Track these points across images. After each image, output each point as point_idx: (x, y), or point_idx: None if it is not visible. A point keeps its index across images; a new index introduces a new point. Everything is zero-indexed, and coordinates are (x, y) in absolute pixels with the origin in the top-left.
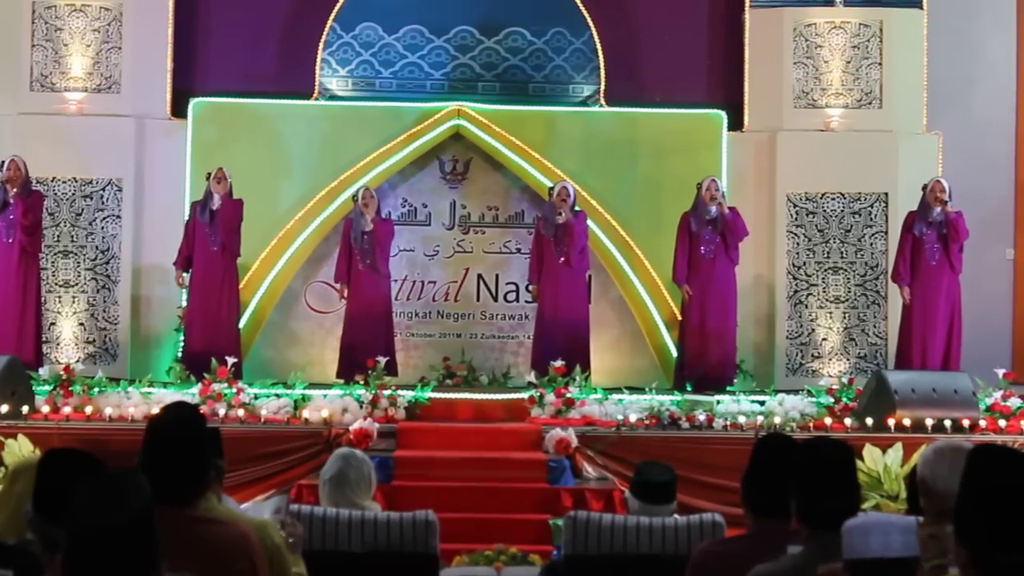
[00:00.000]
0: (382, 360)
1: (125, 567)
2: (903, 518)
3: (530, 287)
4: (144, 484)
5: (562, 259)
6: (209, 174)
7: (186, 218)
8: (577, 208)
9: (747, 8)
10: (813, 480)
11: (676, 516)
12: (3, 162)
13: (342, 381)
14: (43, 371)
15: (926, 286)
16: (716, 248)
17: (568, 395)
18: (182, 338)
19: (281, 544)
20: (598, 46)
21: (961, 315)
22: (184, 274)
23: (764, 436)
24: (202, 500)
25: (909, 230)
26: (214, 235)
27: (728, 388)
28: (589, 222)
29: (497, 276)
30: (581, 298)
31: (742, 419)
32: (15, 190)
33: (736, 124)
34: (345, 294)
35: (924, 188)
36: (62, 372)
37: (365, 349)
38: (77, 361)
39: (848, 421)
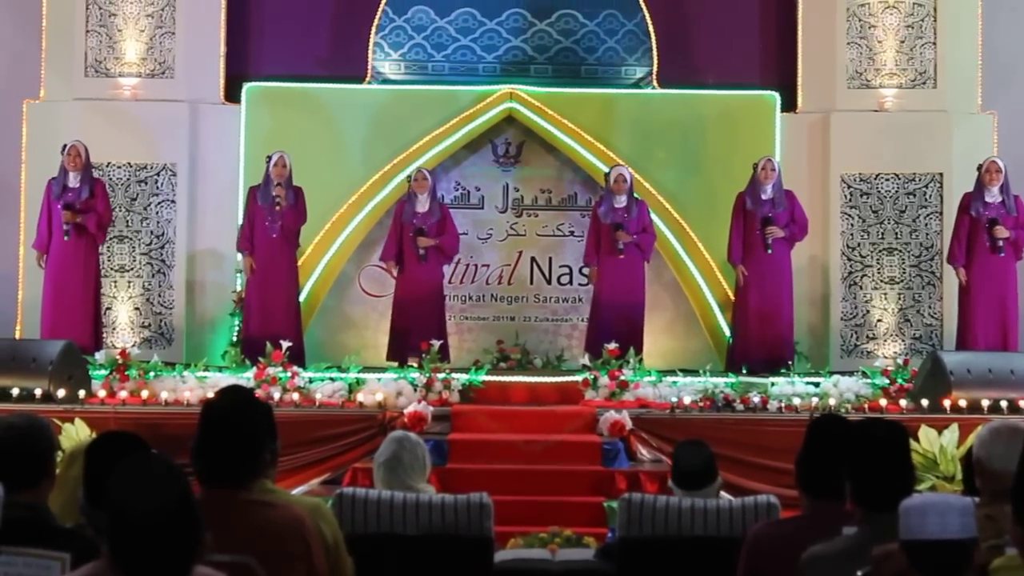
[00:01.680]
0: (436, 343)
1: (165, 550)
2: (961, 499)
3: (584, 270)
4: (177, 468)
5: (621, 247)
6: (269, 157)
7: (242, 203)
8: (637, 196)
9: None
10: (867, 461)
11: (731, 498)
12: (64, 146)
13: (394, 364)
14: (99, 355)
15: (983, 267)
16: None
17: (622, 378)
18: (237, 322)
19: (335, 524)
20: (650, 27)
21: (1016, 296)
22: (250, 259)
23: (818, 417)
24: (257, 483)
25: (965, 211)
26: (273, 220)
27: (782, 370)
28: None
29: (550, 259)
30: (638, 284)
31: (796, 401)
32: (76, 174)
33: (789, 105)
34: (395, 272)
35: (979, 168)
36: (118, 357)
37: (416, 332)
38: (133, 346)
39: (903, 402)
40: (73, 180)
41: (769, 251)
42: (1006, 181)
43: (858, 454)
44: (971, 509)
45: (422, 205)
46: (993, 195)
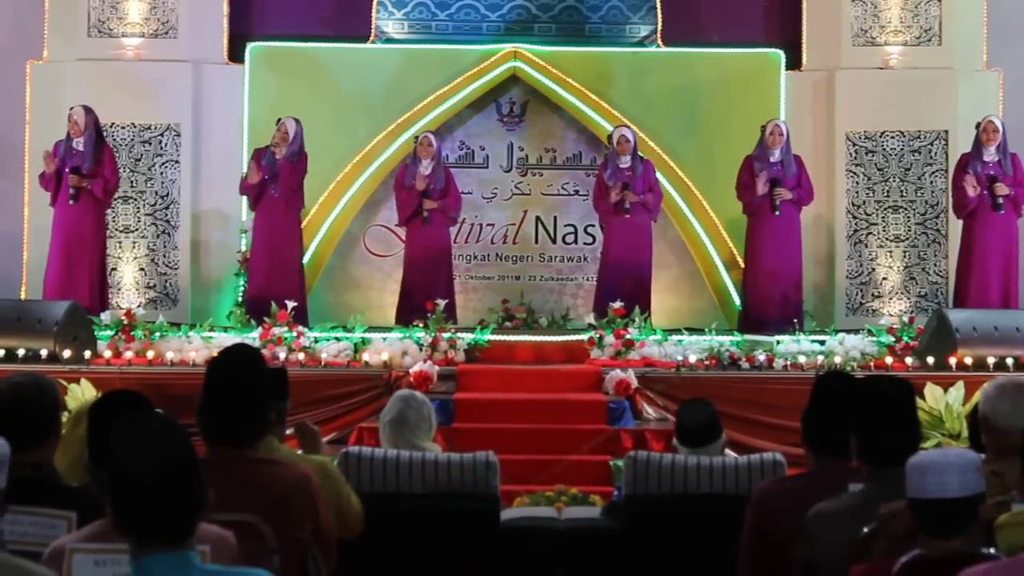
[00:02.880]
0: (441, 303)
1: (167, 508)
2: (963, 456)
3: (590, 228)
4: (178, 426)
5: (627, 206)
6: (279, 120)
7: (246, 163)
8: (642, 155)
9: None
10: (874, 418)
11: (737, 456)
12: (69, 114)
13: (402, 325)
14: (105, 316)
15: (984, 225)
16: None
17: (627, 336)
18: (242, 282)
19: (341, 478)
20: None
21: (1018, 254)
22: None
23: (824, 374)
24: (262, 442)
25: (963, 169)
26: (276, 184)
27: (790, 330)
28: None
29: (555, 218)
30: (645, 243)
31: (802, 359)
32: (80, 138)
33: (794, 63)
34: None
35: (977, 127)
36: (123, 317)
37: (423, 294)
38: (138, 306)
39: (909, 360)
40: (77, 143)
41: (777, 212)
42: (1004, 140)
43: (864, 410)
44: (973, 466)
45: (425, 168)
46: (991, 154)
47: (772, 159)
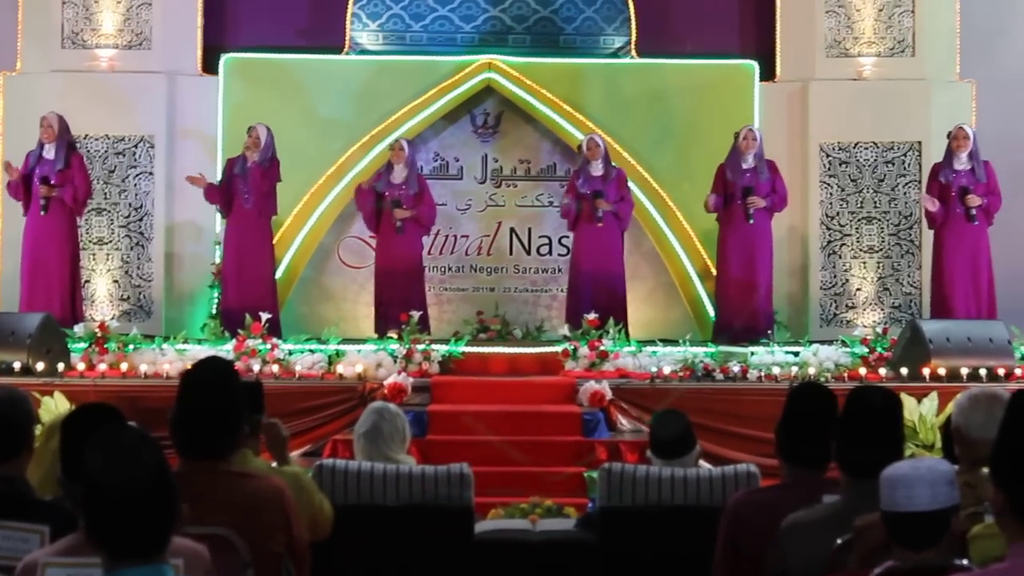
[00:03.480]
0: (415, 315)
1: (140, 523)
2: (934, 469)
3: (564, 239)
4: (150, 439)
5: (599, 215)
6: (251, 127)
7: (219, 175)
8: (615, 164)
9: None
10: (859, 429)
11: (711, 467)
12: (42, 119)
13: (377, 336)
14: (78, 328)
15: (954, 236)
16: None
17: (602, 348)
18: (216, 294)
19: (314, 488)
20: None
21: (991, 264)
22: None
23: (798, 385)
24: (236, 455)
25: (935, 178)
26: (247, 193)
27: (762, 340)
28: None
29: (530, 229)
30: (616, 253)
31: (776, 370)
32: (51, 145)
33: (768, 74)
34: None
35: (948, 136)
36: (97, 330)
37: (396, 304)
38: (112, 318)
39: (883, 371)
40: (48, 151)
41: (750, 221)
42: (975, 148)
43: (851, 420)
44: (945, 479)
45: (398, 175)
46: (962, 162)
47: (745, 165)
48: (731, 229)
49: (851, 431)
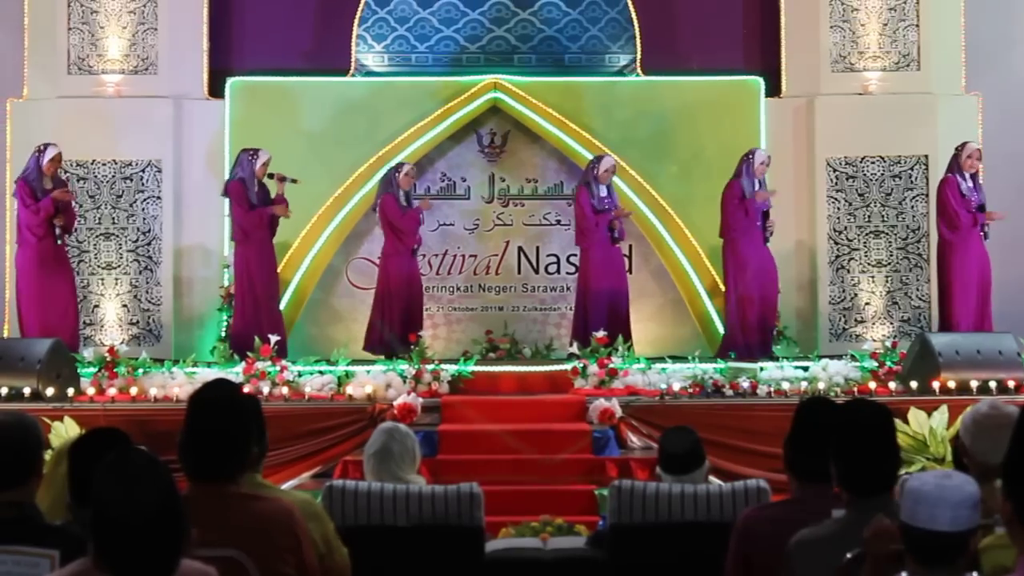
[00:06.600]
0: (426, 336)
1: (149, 546)
2: (962, 490)
3: (572, 258)
4: (159, 463)
5: (617, 235)
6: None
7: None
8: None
9: None
10: (851, 447)
11: (721, 483)
12: (44, 147)
13: (380, 356)
14: (87, 353)
15: (965, 248)
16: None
17: (611, 365)
18: (225, 317)
19: (326, 518)
20: (633, 15)
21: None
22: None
23: (806, 400)
24: (245, 477)
25: (953, 188)
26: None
27: (771, 355)
28: (628, 191)
29: (538, 248)
30: (624, 271)
31: (786, 385)
32: (48, 177)
33: (774, 90)
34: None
35: (958, 149)
36: (106, 354)
37: (393, 324)
38: (121, 343)
39: (892, 385)
40: (47, 182)
41: (768, 243)
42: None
43: (842, 438)
44: (969, 502)
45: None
46: (967, 180)
47: (758, 188)
48: (751, 250)
49: (845, 450)
